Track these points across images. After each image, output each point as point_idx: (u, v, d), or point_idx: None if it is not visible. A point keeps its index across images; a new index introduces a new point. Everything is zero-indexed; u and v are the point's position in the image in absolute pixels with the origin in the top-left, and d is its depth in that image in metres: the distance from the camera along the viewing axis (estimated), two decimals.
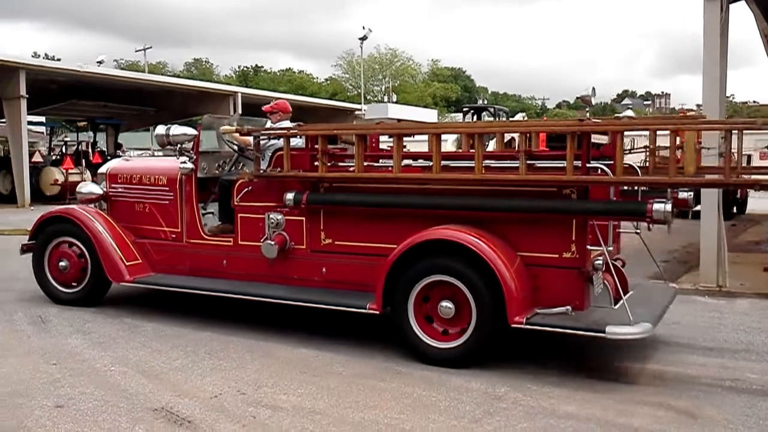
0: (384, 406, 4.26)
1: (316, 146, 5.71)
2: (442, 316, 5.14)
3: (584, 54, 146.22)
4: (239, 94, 26.03)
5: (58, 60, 36.89)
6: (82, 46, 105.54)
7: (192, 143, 6.67)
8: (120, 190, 7.18)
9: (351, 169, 5.66)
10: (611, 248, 5.09)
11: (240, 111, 24.85)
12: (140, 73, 35.52)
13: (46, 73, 21.16)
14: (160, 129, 6.83)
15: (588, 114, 5.63)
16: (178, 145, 6.73)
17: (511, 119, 17.32)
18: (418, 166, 5.85)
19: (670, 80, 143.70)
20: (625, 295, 5.30)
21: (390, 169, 5.49)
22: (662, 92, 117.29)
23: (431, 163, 5.31)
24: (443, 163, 5.38)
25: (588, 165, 4.93)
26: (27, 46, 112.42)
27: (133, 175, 7.12)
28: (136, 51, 54.72)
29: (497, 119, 18.11)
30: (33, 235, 7.19)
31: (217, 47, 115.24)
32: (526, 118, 17.32)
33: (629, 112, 6.07)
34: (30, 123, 23.57)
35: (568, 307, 4.88)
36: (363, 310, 5.36)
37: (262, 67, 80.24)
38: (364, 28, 39.77)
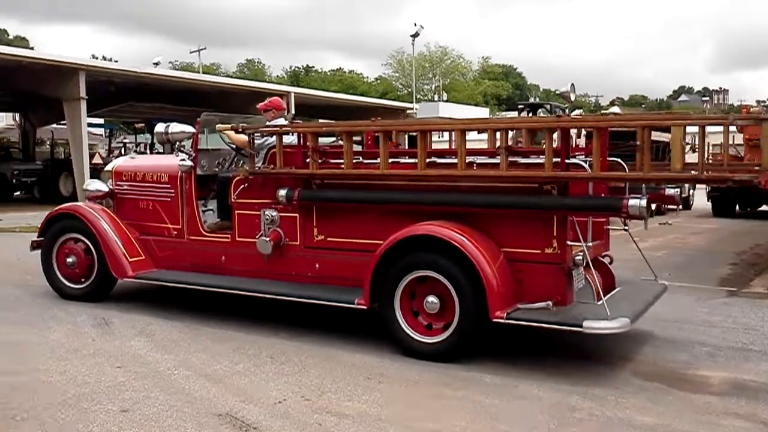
0: (452, 414, 4.12)
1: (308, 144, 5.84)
2: (427, 311, 5.22)
3: (639, 49, 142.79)
4: (292, 94, 26.15)
5: (116, 62, 37.76)
6: (138, 48, 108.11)
7: (191, 141, 6.79)
8: (125, 187, 7.34)
9: (341, 166, 5.73)
10: (590, 244, 5.15)
11: (293, 111, 24.99)
12: (196, 74, 36.01)
13: (105, 75, 21.55)
14: (160, 127, 6.94)
15: (567, 110, 5.51)
16: (177, 143, 6.87)
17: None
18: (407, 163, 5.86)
19: (728, 76, 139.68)
20: (612, 292, 5.53)
21: (377, 165, 5.57)
22: (720, 88, 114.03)
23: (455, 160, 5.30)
24: (430, 159, 5.54)
25: (567, 161, 5.00)
26: (86, 48, 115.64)
27: (137, 172, 7.29)
28: (191, 52, 55.89)
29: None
30: (42, 232, 7.36)
31: (269, 48, 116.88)
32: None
33: (615, 109, 6.05)
34: (89, 125, 24.10)
35: (549, 302, 4.88)
36: (351, 305, 5.45)
37: (313, 67, 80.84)
38: (415, 24, 39.49)
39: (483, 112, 45.69)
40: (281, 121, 6.69)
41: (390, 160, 5.57)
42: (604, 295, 5.10)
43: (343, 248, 5.88)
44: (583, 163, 5.02)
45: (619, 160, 5.46)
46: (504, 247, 5.17)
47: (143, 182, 7.19)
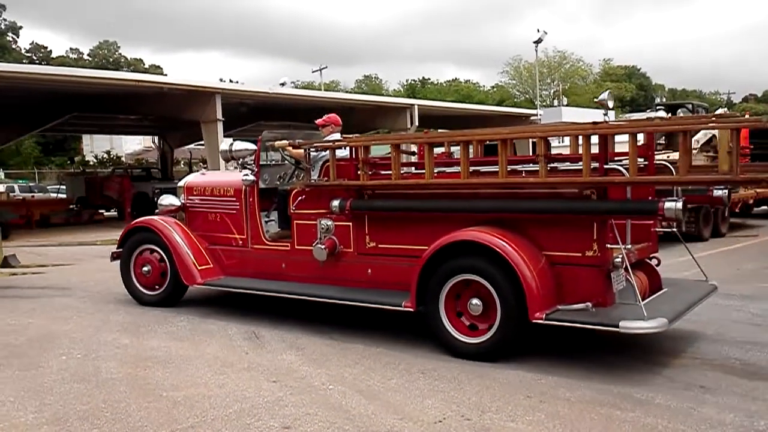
0: None
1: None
2: (471, 313, 5.45)
3: None
4: (416, 107, 26.18)
5: (241, 83, 39.44)
6: (261, 70, 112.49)
7: (254, 157, 7.29)
8: (196, 201, 7.92)
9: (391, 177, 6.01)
10: (630, 246, 5.30)
11: (417, 123, 25.00)
12: (322, 92, 36.91)
13: (238, 97, 22.35)
14: (224, 145, 7.58)
15: (605, 117, 5.70)
16: (240, 159, 7.41)
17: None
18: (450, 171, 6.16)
19: None
20: (658, 293, 5.71)
21: (423, 175, 5.83)
22: None
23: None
24: (473, 168, 5.80)
25: (606, 166, 5.09)
26: (213, 73, 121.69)
27: (206, 187, 7.86)
28: (313, 71, 57.17)
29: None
30: (121, 244, 8.01)
31: (385, 63, 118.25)
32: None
33: (661, 113, 5.95)
34: None
35: (588, 304, 5.05)
36: (398, 308, 5.76)
37: (429, 79, 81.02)
38: (538, 31, 38.31)
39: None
40: (336, 136, 6.95)
41: (438, 170, 5.93)
42: (651, 297, 5.42)
43: (394, 254, 6.17)
44: (621, 168, 5.06)
45: (667, 163, 5.54)
46: (546, 251, 5.32)
47: (211, 196, 7.75)
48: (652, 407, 4.28)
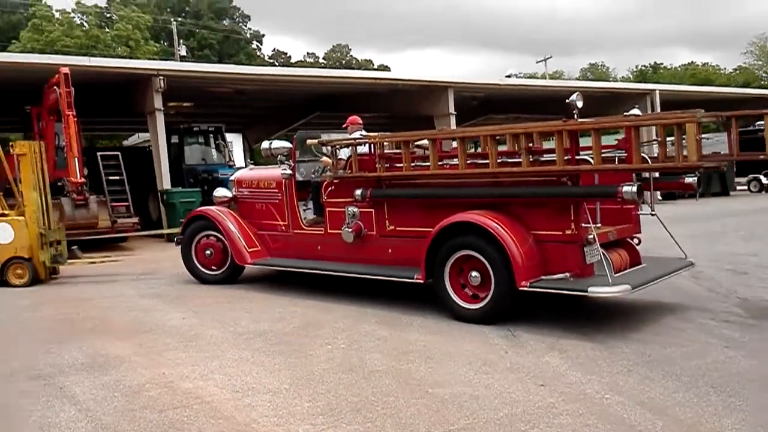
0: None
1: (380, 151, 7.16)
2: (471, 284, 6.33)
3: None
4: (657, 92, 24.57)
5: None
6: (482, 64, 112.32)
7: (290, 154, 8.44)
8: (245, 193, 9.15)
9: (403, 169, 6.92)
10: (599, 225, 6.26)
11: (658, 109, 23.38)
12: (552, 81, 35.77)
13: (469, 90, 22.36)
14: (265, 144, 8.66)
15: (576, 116, 6.27)
16: (279, 156, 8.46)
17: None
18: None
19: None
20: (635, 267, 6.53)
21: (428, 167, 6.76)
22: None
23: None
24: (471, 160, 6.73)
25: (577, 157, 5.92)
26: (437, 70, 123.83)
27: (252, 180, 9.09)
28: (537, 62, 56.13)
29: None
30: (182, 231, 9.35)
31: (610, 51, 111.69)
32: None
33: (635, 111, 6.69)
34: None
35: (567, 274, 5.88)
36: (411, 280, 6.74)
37: (661, 63, 75.58)
38: None
39: None
40: (357, 135, 7.80)
41: (442, 162, 6.79)
42: (628, 270, 6.35)
43: (409, 235, 7.07)
44: (589, 159, 5.84)
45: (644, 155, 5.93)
46: (534, 230, 6.15)
47: (257, 188, 8.95)
48: None
